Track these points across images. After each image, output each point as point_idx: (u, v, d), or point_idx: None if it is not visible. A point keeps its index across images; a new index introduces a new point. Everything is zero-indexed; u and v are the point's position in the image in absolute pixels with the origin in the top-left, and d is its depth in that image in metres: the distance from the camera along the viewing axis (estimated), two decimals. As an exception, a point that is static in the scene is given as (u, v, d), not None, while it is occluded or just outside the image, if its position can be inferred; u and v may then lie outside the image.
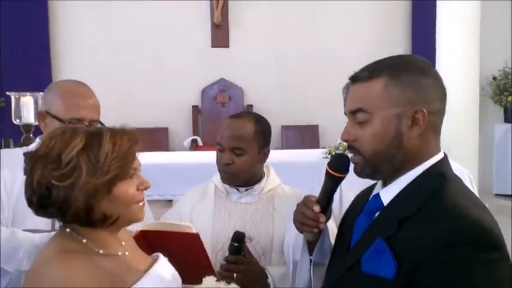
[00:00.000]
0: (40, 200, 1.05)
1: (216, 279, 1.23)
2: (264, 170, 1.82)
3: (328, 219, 1.25)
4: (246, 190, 1.76)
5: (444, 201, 1.01)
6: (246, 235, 1.66)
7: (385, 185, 1.13)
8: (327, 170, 1.22)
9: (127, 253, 1.16)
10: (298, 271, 1.38)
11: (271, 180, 1.81)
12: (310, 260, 1.35)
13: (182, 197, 1.89)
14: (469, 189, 1.11)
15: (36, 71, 5.48)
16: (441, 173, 1.07)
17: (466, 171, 1.73)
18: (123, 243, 1.18)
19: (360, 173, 1.13)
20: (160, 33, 5.89)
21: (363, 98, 1.09)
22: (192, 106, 6.02)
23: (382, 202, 1.11)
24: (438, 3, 4.55)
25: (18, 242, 1.51)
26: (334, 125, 5.43)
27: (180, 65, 5.95)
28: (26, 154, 1.09)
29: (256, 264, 1.64)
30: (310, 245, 1.33)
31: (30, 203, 1.08)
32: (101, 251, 1.09)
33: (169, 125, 5.95)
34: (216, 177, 1.81)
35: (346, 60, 5.10)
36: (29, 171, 1.06)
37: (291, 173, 3.02)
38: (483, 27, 4.50)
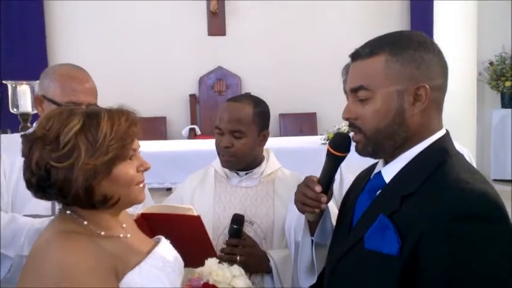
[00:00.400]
0: (39, 181, 1.04)
1: (218, 261, 1.24)
2: (264, 153, 1.83)
3: (329, 199, 1.25)
4: (246, 174, 1.76)
5: (448, 176, 1.01)
6: (247, 219, 1.67)
7: (386, 163, 1.12)
8: (328, 150, 1.22)
9: (128, 235, 1.16)
10: (300, 252, 1.38)
11: (271, 163, 1.81)
12: (312, 241, 1.35)
13: (182, 183, 1.89)
14: (472, 165, 1.11)
15: (33, 62, 5.44)
16: (444, 149, 1.07)
17: (465, 150, 1.74)
18: (124, 225, 1.18)
19: (362, 151, 1.12)
20: (157, 22, 5.85)
21: (364, 75, 1.08)
22: (190, 95, 6.00)
23: (384, 180, 1.10)
24: (435, -11, 4.53)
25: (18, 227, 1.50)
26: (331, 112, 5.45)
27: (177, 53, 5.92)
28: (23, 136, 1.08)
29: (257, 247, 1.65)
30: (312, 226, 1.33)
31: (29, 185, 1.07)
32: (102, 233, 1.09)
33: (167, 114, 5.93)
34: (216, 162, 1.81)
35: (344, 48, 5.05)
36: (27, 153, 1.05)
37: (290, 159, 3.03)
38: (480, 12, 4.48)
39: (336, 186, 1.56)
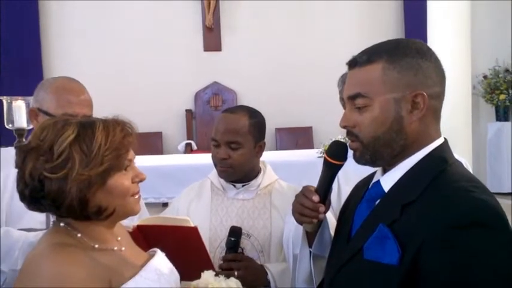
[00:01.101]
0: (32, 192, 1.02)
1: (214, 273, 1.22)
2: (261, 165, 1.82)
3: (327, 209, 1.24)
4: (243, 186, 1.75)
5: (447, 184, 1.00)
6: (244, 231, 1.65)
7: (385, 171, 1.12)
8: (325, 158, 1.21)
9: (123, 248, 1.14)
10: (298, 264, 1.36)
11: (268, 175, 1.80)
12: (310, 253, 1.33)
13: (178, 195, 1.87)
14: (471, 173, 1.11)
15: (28, 76, 5.45)
16: (443, 157, 1.06)
17: (463, 160, 1.74)
18: (119, 238, 1.16)
19: (360, 159, 1.11)
20: (153, 37, 5.88)
21: (361, 82, 1.07)
22: (186, 110, 6.00)
23: (382, 189, 1.09)
24: (429, 3, 4.58)
25: (12, 241, 1.48)
26: (327, 126, 5.45)
27: (173, 69, 5.94)
28: (17, 147, 1.07)
29: (254, 261, 1.63)
30: (310, 237, 1.32)
31: (22, 197, 1.05)
32: (96, 246, 1.07)
33: (163, 130, 5.93)
34: (213, 175, 1.80)
35: (338, 62, 5.10)
36: (20, 164, 1.04)
37: (287, 173, 3.02)
38: (473, 26, 4.54)
39: (333, 196, 1.56)
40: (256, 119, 1.74)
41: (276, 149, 5.80)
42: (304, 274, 1.36)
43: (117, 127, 1.07)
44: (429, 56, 1.08)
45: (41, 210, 1.08)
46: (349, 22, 6.12)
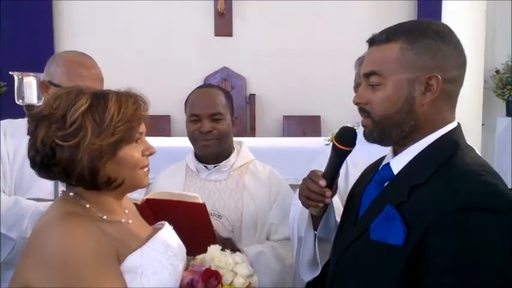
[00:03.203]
0: (44, 159, 1.03)
1: (220, 248, 1.23)
2: (235, 145, 1.82)
3: (334, 194, 1.24)
4: (215, 167, 1.75)
5: (458, 167, 1.00)
6: (215, 212, 1.65)
7: (395, 154, 1.11)
8: (333, 144, 1.21)
9: (130, 221, 1.15)
10: (303, 246, 1.37)
11: (243, 155, 1.80)
12: (315, 236, 1.34)
13: (157, 178, 1.85)
14: (482, 159, 1.09)
15: (40, 55, 5.47)
16: (455, 141, 1.06)
17: (474, 147, 1.73)
18: (126, 211, 1.17)
19: (369, 136, 1.11)
20: (164, 21, 5.86)
21: (377, 60, 1.07)
22: (194, 94, 6.00)
23: (392, 171, 1.09)
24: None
25: (22, 209, 1.50)
26: (336, 116, 5.44)
27: (183, 53, 5.93)
28: (29, 114, 1.07)
29: (231, 242, 1.61)
30: (315, 221, 1.32)
31: (33, 164, 1.06)
32: (104, 217, 1.08)
33: (171, 113, 5.93)
34: (189, 157, 1.81)
35: (348, 52, 5.07)
36: (32, 131, 1.05)
37: (293, 160, 3.02)
38: (488, 20, 4.47)
39: (340, 179, 1.55)
40: (228, 94, 1.78)
41: (283, 137, 5.80)
42: (308, 256, 1.37)
43: (129, 99, 1.08)
44: (450, 39, 1.06)
45: (51, 178, 1.09)
46: (360, 13, 6.05)
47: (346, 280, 1.09)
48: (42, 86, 1.65)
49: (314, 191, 1.20)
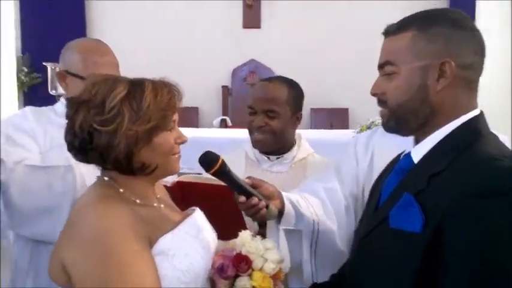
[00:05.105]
0: (82, 143, 1.06)
1: (251, 233, 1.23)
2: (296, 138, 1.81)
3: (259, 198, 1.32)
4: (277, 158, 1.74)
5: (477, 153, 0.99)
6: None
7: (417, 144, 1.12)
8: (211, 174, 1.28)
9: (162, 205, 1.18)
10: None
11: (303, 148, 1.79)
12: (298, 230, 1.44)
13: None
14: (506, 146, 1.08)
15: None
16: (476, 129, 1.05)
17: (505, 137, 1.68)
18: (158, 196, 1.20)
19: (385, 125, 1.13)
20: (192, 13, 5.90)
21: (390, 51, 1.09)
22: (222, 86, 6.03)
23: (412, 160, 1.09)
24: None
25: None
26: (364, 108, 5.34)
27: (211, 45, 5.95)
28: (68, 99, 1.11)
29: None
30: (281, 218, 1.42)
31: (71, 148, 1.10)
32: (138, 201, 1.11)
33: (199, 105, 5.98)
34: (247, 145, 1.80)
35: (378, 45, 4.98)
36: (71, 116, 1.08)
37: (321, 152, 2.99)
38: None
39: (363, 168, 1.55)
40: (294, 90, 1.74)
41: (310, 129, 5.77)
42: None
43: (164, 88, 1.11)
44: (465, 25, 1.06)
45: (87, 161, 1.12)
46: (392, 5, 5.92)
47: (365, 267, 1.11)
48: (60, 76, 1.65)
49: (247, 209, 1.32)
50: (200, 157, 1.28)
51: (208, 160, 1.25)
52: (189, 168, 3.82)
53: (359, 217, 1.52)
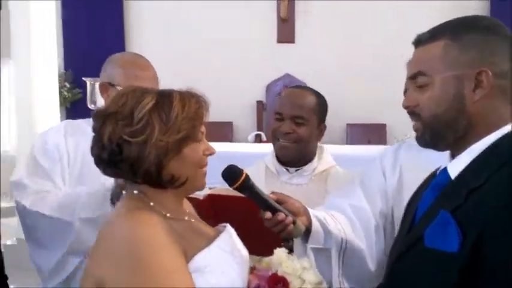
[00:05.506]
0: (111, 156, 1.05)
1: (287, 251, 1.19)
2: (318, 150, 1.77)
3: (285, 213, 1.27)
4: (296, 171, 1.70)
5: None
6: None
7: (453, 158, 1.07)
8: (233, 189, 1.25)
9: (193, 220, 1.16)
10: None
11: (325, 160, 1.76)
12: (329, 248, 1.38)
13: None
14: None
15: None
16: None
17: None
18: (187, 210, 1.19)
19: (420, 140, 1.08)
20: (226, 27, 5.98)
21: (422, 60, 1.05)
22: (257, 101, 6.05)
23: (449, 176, 1.04)
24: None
25: (74, 194, 1.59)
26: (403, 124, 5.21)
27: (246, 60, 6.00)
28: (95, 112, 1.11)
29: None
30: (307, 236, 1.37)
31: (99, 161, 1.09)
32: (168, 214, 1.09)
33: (234, 120, 6.02)
34: (268, 158, 1.78)
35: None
36: (98, 128, 1.07)
37: (357, 167, 2.92)
38: None
39: (392, 183, 1.49)
40: (321, 100, 1.74)
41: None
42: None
43: (192, 98, 1.10)
44: (499, 32, 1.01)
45: (117, 175, 1.12)
46: (430, 17, 5.80)
47: None
48: (102, 88, 1.69)
49: (273, 225, 1.27)
50: (223, 171, 1.26)
51: (232, 174, 1.23)
52: (220, 182, 3.82)
53: (388, 236, 1.46)
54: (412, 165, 1.38)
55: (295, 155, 1.70)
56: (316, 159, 1.74)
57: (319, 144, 1.80)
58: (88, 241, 1.31)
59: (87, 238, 1.44)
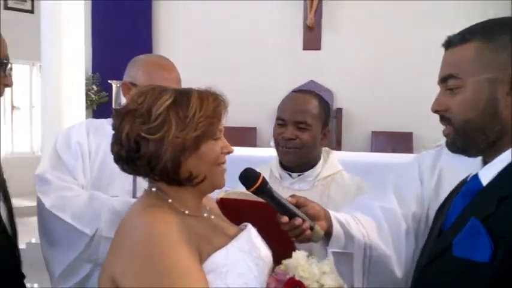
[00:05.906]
0: (129, 153, 1.05)
1: (307, 254, 1.15)
2: (323, 154, 1.73)
3: (303, 218, 1.23)
4: (299, 176, 1.67)
5: None
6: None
7: (485, 164, 1.03)
8: (251, 192, 1.21)
9: (212, 217, 1.15)
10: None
11: (330, 165, 1.71)
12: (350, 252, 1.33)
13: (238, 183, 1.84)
14: None
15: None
16: None
17: None
18: (208, 208, 1.18)
19: (451, 145, 1.05)
20: (253, 34, 5.99)
21: (454, 63, 1.02)
22: (281, 107, 6.02)
23: (481, 182, 1.00)
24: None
25: (98, 206, 1.54)
26: (429, 133, 5.11)
27: (271, 66, 6.00)
28: (115, 110, 1.11)
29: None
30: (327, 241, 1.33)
31: (117, 158, 1.09)
32: (186, 212, 1.09)
33: (258, 125, 6.00)
34: (273, 162, 1.75)
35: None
36: (117, 126, 1.08)
37: (382, 177, 2.85)
38: None
39: (429, 190, 1.43)
40: (325, 104, 1.69)
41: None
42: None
43: (210, 96, 1.10)
44: None
45: (134, 172, 1.12)
46: (454, 24, 5.67)
47: None
48: (124, 88, 1.70)
49: (290, 230, 1.23)
50: (240, 174, 1.22)
51: (249, 177, 1.20)
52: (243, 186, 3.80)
53: (420, 242, 1.40)
54: (453, 171, 1.33)
55: (298, 161, 1.66)
56: (320, 164, 1.70)
57: (326, 148, 1.76)
58: (103, 254, 1.30)
59: (103, 251, 1.42)
